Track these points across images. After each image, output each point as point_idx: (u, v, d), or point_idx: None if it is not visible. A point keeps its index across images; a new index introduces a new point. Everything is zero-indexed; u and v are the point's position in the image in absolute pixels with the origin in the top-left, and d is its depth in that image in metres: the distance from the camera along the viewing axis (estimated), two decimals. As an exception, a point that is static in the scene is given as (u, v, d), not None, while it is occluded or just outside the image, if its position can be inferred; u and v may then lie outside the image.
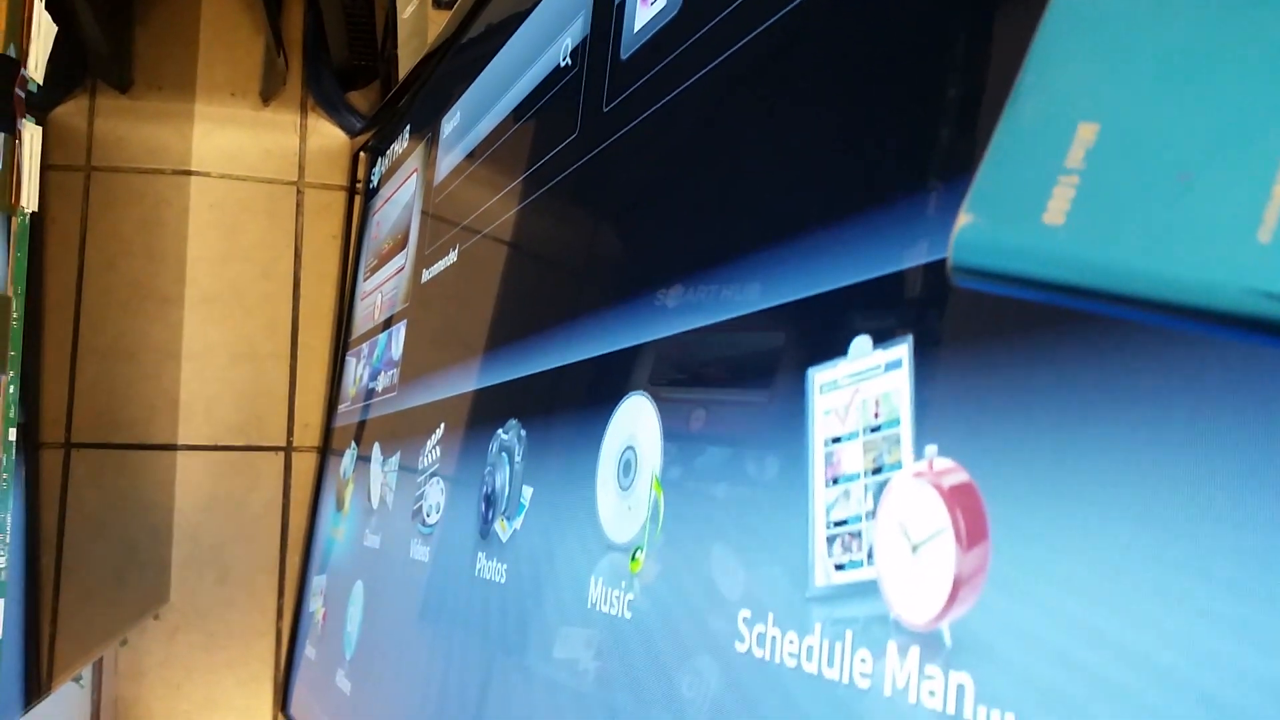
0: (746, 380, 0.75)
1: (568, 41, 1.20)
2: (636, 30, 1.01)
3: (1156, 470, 0.45)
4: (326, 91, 2.34)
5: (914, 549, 0.57)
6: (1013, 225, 0.34)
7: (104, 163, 2.30)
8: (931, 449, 0.57)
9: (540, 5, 1.33)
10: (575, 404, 1.01)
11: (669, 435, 0.83)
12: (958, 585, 0.54)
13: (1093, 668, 0.46)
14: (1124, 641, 0.45)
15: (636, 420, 0.87)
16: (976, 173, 0.35)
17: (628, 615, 0.83)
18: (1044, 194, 0.34)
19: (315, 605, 2.09)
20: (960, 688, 0.52)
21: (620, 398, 0.91)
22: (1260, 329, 0.31)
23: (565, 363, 1.05)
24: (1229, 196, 0.33)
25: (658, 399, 0.85)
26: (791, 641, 0.65)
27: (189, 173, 2.32)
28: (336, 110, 2.33)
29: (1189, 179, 0.33)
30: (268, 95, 2.35)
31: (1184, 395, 0.44)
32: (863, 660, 0.59)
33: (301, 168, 2.38)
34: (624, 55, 1.03)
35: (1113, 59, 0.36)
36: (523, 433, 1.13)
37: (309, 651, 2.07)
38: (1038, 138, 0.35)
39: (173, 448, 2.27)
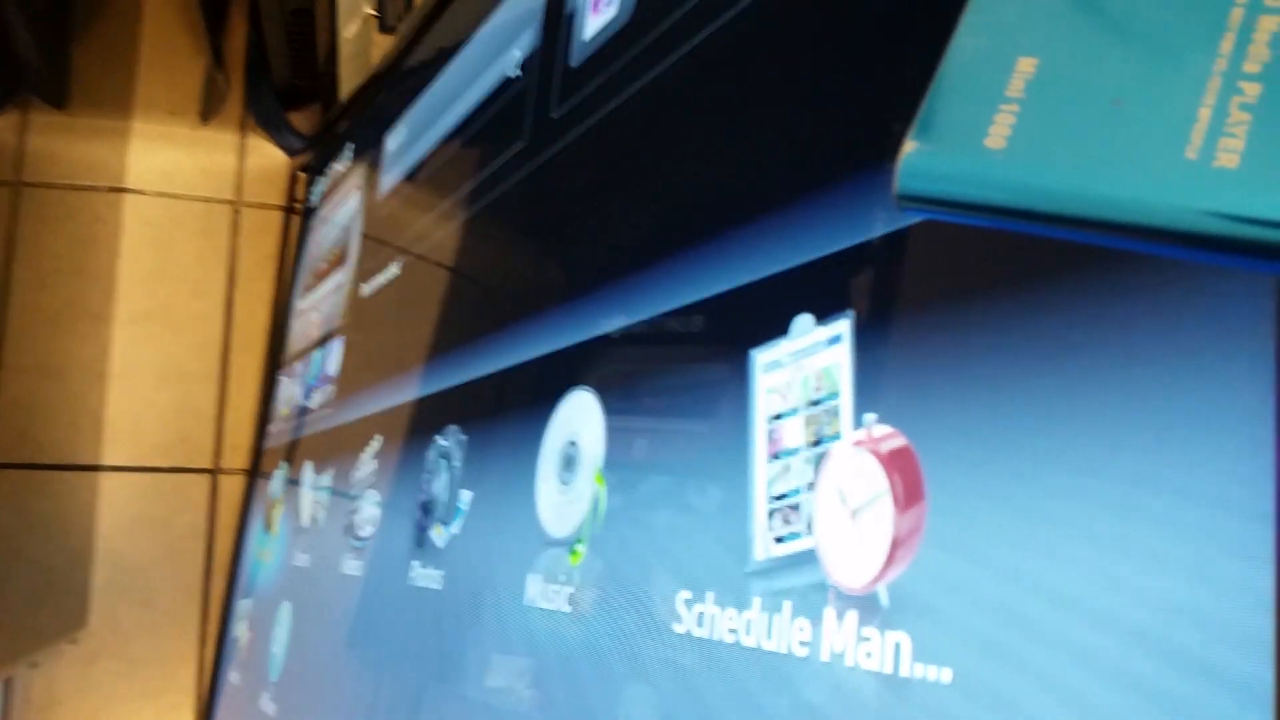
0: (691, 366, 0.76)
1: (517, 53, 1.21)
2: (587, 39, 1.03)
3: (1087, 424, 0.46)
4: (267, 111, 2.32)
5: (853, 514, 0.58)
6: (956, 151, 0.35)
7: (36, 178, 2.26)
8: (870, 417, 0.58)
9: (491, 20, 1.35)
10: (517, 405, 1.01)
11: (613, 428, 0.83)
12: (895, 546, 0.55)
13: (1029, 617, 0.47)
14: (1058, 589, 0.46)
15: (579, 415, 0.87)
16: (921, 106, 0.36)
17: (567, 609, 0.83)
18: (985, 121, 0.35)
19: (240, 630, 2.03)
20: (897, 646, 0.53)
21: (562, 394, 0.91)
22: (1190, 242, 0.32)
23: (509, 364, 1.05)
24: (1158, 119, 0.34)
25: (602, 393, 0.86)
26: (730, 618, 0.65)
27: (123, 190, 2.29)
28: (277, 130, 2.32)
29: (1121, 104, 0.35)
30: (207, 114, 2.33)
31: (1112, 353, 0.46)
32: (800, 629, 0.60)
33: (239, 187, 2.36)
34: (574, 63, 1.05)
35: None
36: (462, 438, 1.12)
37: (233, 677, 2.01)
38: (979, 71, 0.36)
39: (96, 469, 2.21)
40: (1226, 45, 0.35)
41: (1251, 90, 0.34)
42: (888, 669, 0.53)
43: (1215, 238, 0.32)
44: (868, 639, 0.55)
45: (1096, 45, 0.37)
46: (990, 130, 0.36)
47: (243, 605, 2.07)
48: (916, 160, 0.36)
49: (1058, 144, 0.35)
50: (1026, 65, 0.37)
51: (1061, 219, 0.34)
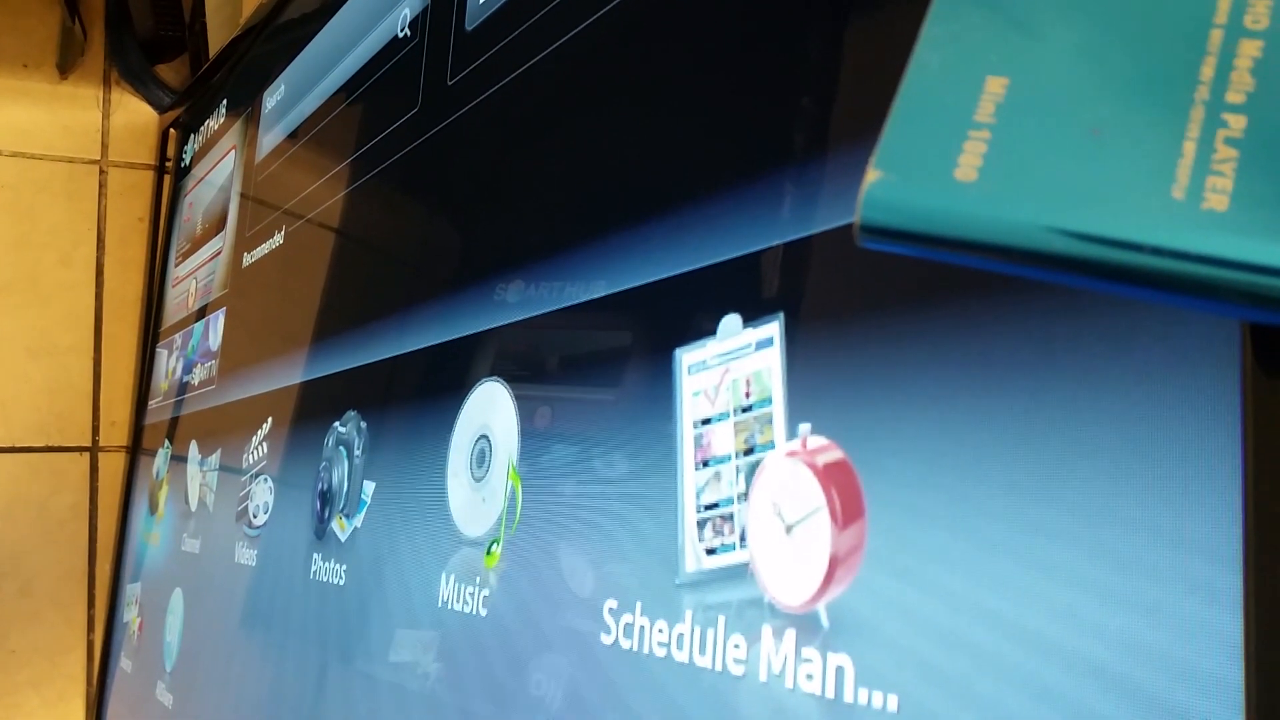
0: (610, 363, 0.72)
1: (405, 12, 1.14)
2: (482, 0, 0.97)
3: (1037, 441, 0.45)
4: (131, 64, 2.17)
5: (788, 529, 0.56)
6: (924, 182, 0.32)
7: (-127, 138, 2.08)
8: (805, 427, 0.55)
9: (372, -26, 1.27)
10: (422, 393, 0.96)
11: (527, 422, 0.79)
12: (834, 565, 0.53)
13: (977, 643, 0.45)
14: (1008, 615, 0.45)
15: (490, 408, 0.83)
16: (884, 127, 0.33)
17: (483, 613, 0.80)
18: (955, 150, 0.32)
19: (130, 615, 1.95)
20: (840, 669, 0.51)
21: (473, 385, 0.86)
22: (1179, 288, 0.30)
23: (410, 350, 0.99)
24: (1141, 152, 0.32)
25: (514, 385, 0.82)
26: (661, 630, 0.62)
27: (-25, 150, 2.12)
28: (143, 84, 2.17)
29: (1100, 134, 0.32)
30: (65, 67, 2.17)
31: (1063, 366, 0.44)
32: (736, 646, 0.57)
33: (105, 145, 2.21)
34: (469, 26, 0.98)
35: (1017, 9, 0.35)
36: (362, 425, 1.07)
37: (124, 664, 1.93)
38: (944, 91, 0.33)
39: (-39, 451, 2.08)
40: (1207, 71, 0.33)
41: (1236, 123, 0.32)
42: (830, 693, 0.51)
43: (1207, 284, 0.30)
44: (808, 660, 0.53)
45: (1069, 63, 0.34)
46: (960, 160, 0.33)
47: (131, 589, 1.98)
48: (881, 192, 0.32)
49: (1034, 177, 0.32)
50: (996, 86, 0.34)
51: (1040, 259, 0.32)
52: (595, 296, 0.73)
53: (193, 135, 2.13)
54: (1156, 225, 0.30)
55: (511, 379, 0.82)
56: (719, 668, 0.58)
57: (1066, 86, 0.33)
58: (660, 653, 0.62)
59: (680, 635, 0.61)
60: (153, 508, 1.91)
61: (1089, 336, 0.43)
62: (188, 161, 2.13)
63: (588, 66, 0.80)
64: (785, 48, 0.62)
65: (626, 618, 0.65)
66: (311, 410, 1.22)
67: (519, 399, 0.81)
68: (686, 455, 0.63)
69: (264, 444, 1.35)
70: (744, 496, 0.59)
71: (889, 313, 0.52)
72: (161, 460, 1.90)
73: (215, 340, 1.70)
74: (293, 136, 1.49)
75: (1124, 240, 0.30)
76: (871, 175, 0.33)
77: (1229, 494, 0.37)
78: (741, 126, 0.64)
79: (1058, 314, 0.45)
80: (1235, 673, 0.36)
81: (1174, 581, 0.39)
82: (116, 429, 2.19)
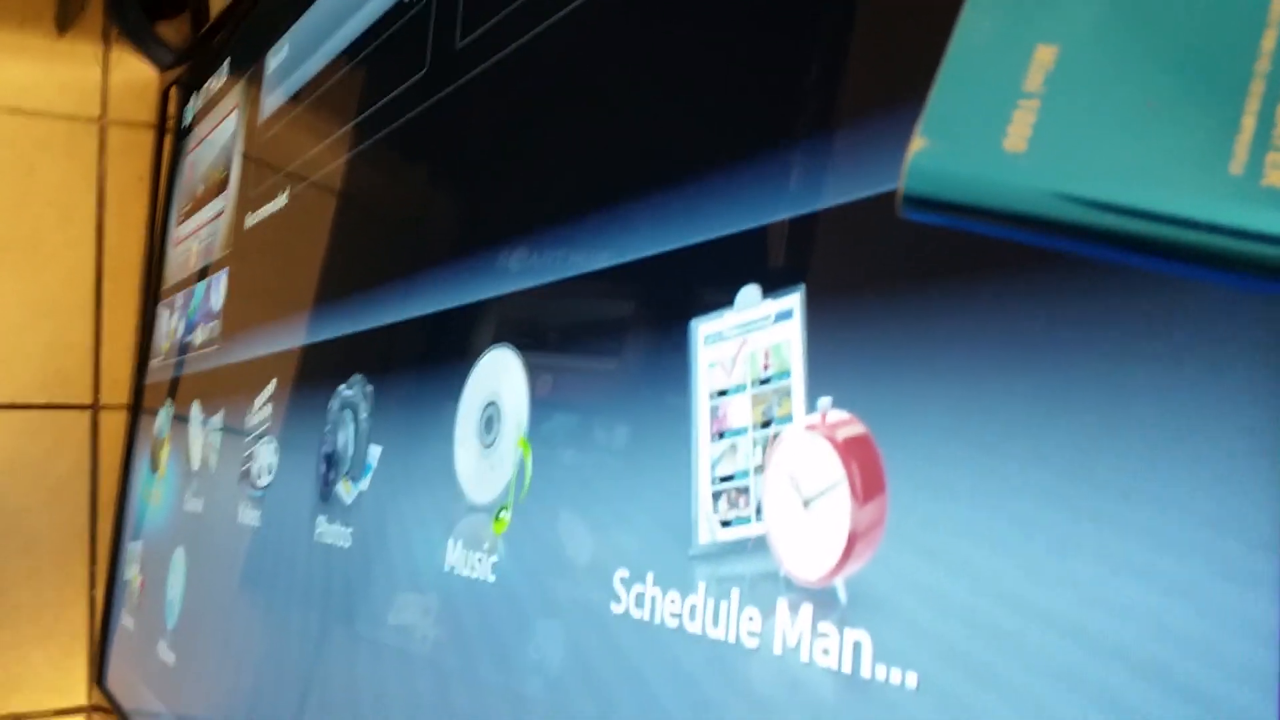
0: (624, 333, 0.71)
1: (413, -30, 1.12)
2: (492, -41, 0.95)
3: (1067, 417, 0.44)
4: (131, 21, 2.14)
5: (806, 503, 0.55)
6: (972, 152, 0.31)
7: None
8: (825, 401, 0.55)
9: (380, -69, 1.24)
10: (430, 358, 0.95)
11: (537, 391, 0.78)
12: (853, 540, 0.52)
13: (998, 622, 0.45)
14: (1029, 595, 0.44)
15: (500, 375, 0.82)
16: (929, 94, 0.32)
17: (491, 578, 0.79)
18: (1003, 119, 0.31)
19: (131, 573, 1.95)
20: (857, 645, 0.51)
21: (481, 351, 0.86)
22: (1233, 266, 0.29)
23: (419, 314, 0.98)
24: (1197, 125, 0.31)
25: (524, 353, 0.81)
26: (673, 601, 0.62)
27: (-27, 106, 2.10)
28: (144, 42, 2.14)
29: (1154, 106, 0.31)
30: (64, 23, 2.14)
31: (1092, 342, 0.43)
32: (750, 619, 0.57)
33: (105, 103, 2.18)
34: (479, -15, 0.97)
35: (1069, -24, 0.34)
36: (369, 388, 1.06)
37: (126, 621, 1.93)
38: (992, 59, 0.32)
39: (-39, 408, 2.07)
40: (1268, 43, 0.31)
41: (1298, 96, 0.30)
42: (847, 668, 0.51)
43: (1265, 263, 0.29)
44: (825, 635, 0.52)
45: (1120, 32, 0.33)
46: (1009, 130, 0.32)
47: (132, 547, 1.98)
48: (927, 161, 0.31)
49: (1085, 149, 0.31)
50: (1045, 55, 0.33)
51: (1090, 234, 0.31)
52: (610, 265, 0.72)
53: (194, 94, 2.10)
54: (1213, 201, 0.29)
55: (523, 347, 0.81)
56: (732, 640, 0.58)
57: (1119, 57, 0.32)
58: (672, 623, 0.62)
59: (693, 606, 0.61)
60: (154, 466, 1.91)
61: (1127, 311, 0.42)
62: (189, 121, 2.11)
63: (602, 28, 0.78)
64: (813, 6, 0.60)
65: (638, 588, 0.65)
66: (316, 373, 1.22)
67: (530, 367, 0.80)
68: (702, 427, 0.62)
69: (268, 405, 1.35)
70: (760, 469, 0.58)
71: (915, 286, 0.51)
72: (163, 419, 1.90)
73: (217, 301, 1.69)
74: (297, 97, 1.47)
75: (1179, 216, 0.29)
76: (917, 143, 0.32)
77: (1269, 476, 0.37)
78: (766, 90, 0.63)
79: (1093, 287, 0.44)
80: (1270, 660, 0.36)
81: (1208, 564, 0.38)
82: (118, 388, 2.18)
